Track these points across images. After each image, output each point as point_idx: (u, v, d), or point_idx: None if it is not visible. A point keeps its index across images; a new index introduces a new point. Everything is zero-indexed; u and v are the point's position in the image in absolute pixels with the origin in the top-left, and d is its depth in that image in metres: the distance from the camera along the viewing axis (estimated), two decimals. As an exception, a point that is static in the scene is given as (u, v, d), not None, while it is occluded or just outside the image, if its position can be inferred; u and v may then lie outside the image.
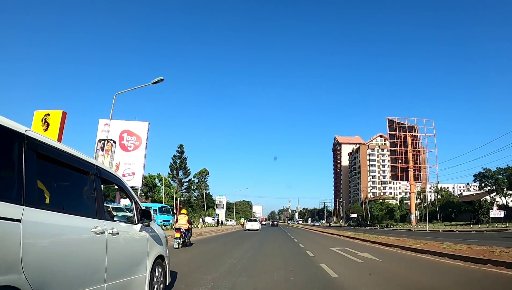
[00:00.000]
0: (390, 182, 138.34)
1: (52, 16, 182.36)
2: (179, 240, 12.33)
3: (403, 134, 66.10)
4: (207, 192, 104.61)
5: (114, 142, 25.58)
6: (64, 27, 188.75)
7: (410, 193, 70.83)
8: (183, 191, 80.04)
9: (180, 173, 79.24)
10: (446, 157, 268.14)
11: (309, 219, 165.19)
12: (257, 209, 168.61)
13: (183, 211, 14.91)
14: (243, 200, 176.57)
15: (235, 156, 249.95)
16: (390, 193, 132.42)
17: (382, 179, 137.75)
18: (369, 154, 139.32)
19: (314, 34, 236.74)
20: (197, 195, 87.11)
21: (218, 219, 67.35)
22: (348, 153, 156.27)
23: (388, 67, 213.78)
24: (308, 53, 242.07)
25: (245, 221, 57.32)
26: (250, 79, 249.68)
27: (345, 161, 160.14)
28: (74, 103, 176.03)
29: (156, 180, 70.64)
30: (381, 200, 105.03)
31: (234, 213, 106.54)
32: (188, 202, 78.94)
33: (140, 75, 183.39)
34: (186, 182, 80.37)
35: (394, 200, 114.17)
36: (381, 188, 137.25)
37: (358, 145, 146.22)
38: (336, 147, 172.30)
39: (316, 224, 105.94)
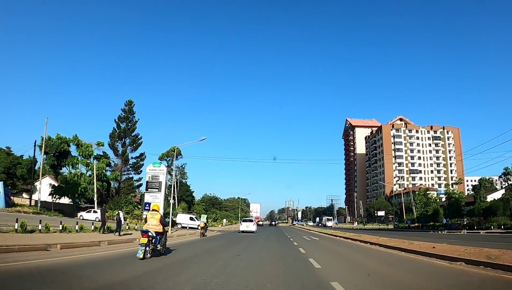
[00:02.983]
0: (420, 171, 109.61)
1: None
2: (145, 248, 8.31)
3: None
4: (183, 181, 76.36)
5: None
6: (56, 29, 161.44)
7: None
8: (130, 171, 50.86)
9: (127, 142, 50.34)
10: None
11: (317, 218, 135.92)
12: (255, 207, 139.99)
13: (154, 206, 9.80)
14: (238, 197, 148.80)
15: (234, 155, 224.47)
16: (421, 184, 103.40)
17: (411, 168, 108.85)
18: (394, 136, 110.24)
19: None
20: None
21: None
22: (365, 138, 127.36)
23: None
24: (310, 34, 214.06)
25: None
26: (248, 73, 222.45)
27: (360, 148, 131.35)
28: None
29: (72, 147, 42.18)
30: (422, 192, 76.05)
31: (217, 212, 77.94)
32: (130, 189, 50.13)
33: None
34: (134, 158, 51.19)
35: (435, 193, 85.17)
36: (410, 179, 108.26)
37: (378, 127, 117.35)
38: (348, 132, 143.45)
39: (328, 224, 77.31)
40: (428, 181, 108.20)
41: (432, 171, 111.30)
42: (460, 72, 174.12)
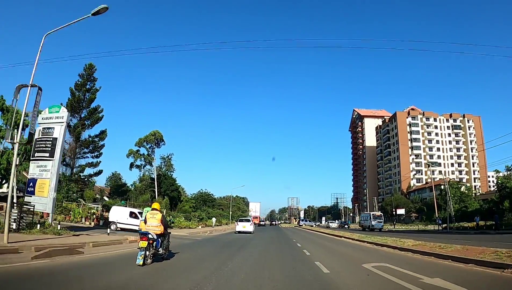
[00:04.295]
0: (439, 164, 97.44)
1: None
2: (145, 252, 7.43)
3: None
4: (170, 174, 64.57)
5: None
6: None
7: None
8: (87, 154, 38.42)
9: (84, 114, 38.10)
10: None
11: (323, 218, 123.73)
12: (254, 206, 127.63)
13: (155, 205, 8.84)
14: (236, 196, 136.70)
15: (233, 154, 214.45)
16: (441, 179, 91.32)
17: (430, 160, 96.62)
18: (410, 124, 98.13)
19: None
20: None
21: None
22: (376, 128, 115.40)
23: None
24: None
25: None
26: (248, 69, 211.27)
27: (370, 140, 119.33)
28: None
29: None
30: (455, 185, 64.25)
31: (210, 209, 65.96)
32: (83, 178, 38.16)
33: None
34: (92, 138, 38.76)
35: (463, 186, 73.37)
36: (428, 172, 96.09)
37: (391, 116, 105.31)
38: (356, 124, 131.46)
39: (332, 225, 64.39)
40: (448, 175, 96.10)
41: (452, 164, 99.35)
42: (475, 62, 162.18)
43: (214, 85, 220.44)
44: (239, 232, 26.97)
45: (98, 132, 38.84)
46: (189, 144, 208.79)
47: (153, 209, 8.49)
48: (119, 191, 50.54)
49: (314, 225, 73.28)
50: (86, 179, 37.76)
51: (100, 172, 37.10)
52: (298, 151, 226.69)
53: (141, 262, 7.19)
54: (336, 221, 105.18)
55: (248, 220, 29.91)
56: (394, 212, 74.42)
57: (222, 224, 59.35)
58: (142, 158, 57.17)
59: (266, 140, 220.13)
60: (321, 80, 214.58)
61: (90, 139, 37.05)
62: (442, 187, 64.25)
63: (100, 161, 37.42)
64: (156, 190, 55.15)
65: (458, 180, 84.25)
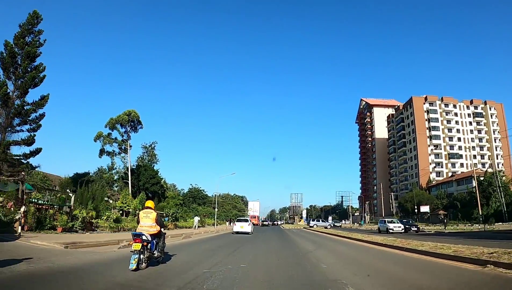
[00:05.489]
0: (461, 156, 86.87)
1: None
2: (139, 256, 6.63)
3: None
4: (150, 165, 54.25)
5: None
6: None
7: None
8: (22, 127, 26.73)
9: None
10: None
11: (329, 218, 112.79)
12: (253, 206, 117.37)
13: (149, 203, 7.90)
14: (235, 194, 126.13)
15: (233, 154, 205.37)
16: (462, 172, 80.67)
17: (450, 151, 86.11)
18: (427, 111, 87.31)
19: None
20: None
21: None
22: (388, 116, 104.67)
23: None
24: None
25: None
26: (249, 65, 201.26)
27: (380, 131, 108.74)
28: None
29: None
30: (488, 177, 53.69)
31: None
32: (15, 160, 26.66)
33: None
34: (29, 105, 26.92)
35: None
36: (449, 165, 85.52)
37: (406, 102, 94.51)
38: (364, 114, 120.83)
39: (323, 225, 50.47)
40: (470, 167, 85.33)
41: (475, 156, 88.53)
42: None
43: (213, 82, 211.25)
44: (237, 232, 26.76)
45: (38, 98, 27.44)
46: (189, 142, 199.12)
47: (146, 208, 7.73)
48: (78, 182, 39.36)
49: (327, 226, 51.00)
50: (19, 161, 26.57)
51: (37, 151, 25.76)
52: (298, 149, 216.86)
53: (135, 266, 6.44)
54: (343, 221, 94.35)
55: (246, 220, 29.50)
56: (416, 210, 63.83)
57: (209, 224, 48.44)
58: (116, 144, 46.37)
59: (266, 139, 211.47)
60: (324, 71, 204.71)
61: (24, 105, 25.80)
62: (482, 178, 53.66)
63: (35, 136, 25.97)
64: (129, 182, 44.34)
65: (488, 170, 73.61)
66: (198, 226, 35.52)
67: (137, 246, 6.63)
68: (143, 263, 6.77)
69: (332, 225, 52.30)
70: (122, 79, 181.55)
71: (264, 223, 78.10)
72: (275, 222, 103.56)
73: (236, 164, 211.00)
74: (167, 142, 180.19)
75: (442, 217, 59.56)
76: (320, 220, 57.58)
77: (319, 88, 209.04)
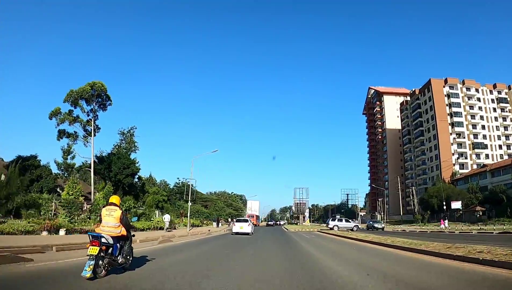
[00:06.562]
0: (486, 146, 77.27)
1: None
2: (96, 261, 5.43)
3: None
4: (127, 153, 44.79)
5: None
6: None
7: None
8: None
9: None
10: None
11: (337, 217, 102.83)
12: (252, 205, 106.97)
13: (113, 198, 6.52)
14: (232, 193, 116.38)
15: (233, 154, 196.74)
16: (486, 164, 71.04)
17: (474, 141, 76.44)
18: (448, 95, 77.57)
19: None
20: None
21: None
22: (402, 103, 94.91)
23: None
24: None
25: None
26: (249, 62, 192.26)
27: (391, 121, 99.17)
28: None
29: None
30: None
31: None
32: None
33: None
34: None
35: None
36: (473, 156, 75.84)
37: (423, 86, 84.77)
38: (373, 104, 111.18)
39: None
40: (495, 158, 75.71)
41: (500, 146, 78.89)
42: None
43: (213, 78, 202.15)
44: (236, 233, 26.10)
45: None
46: (188, 139, 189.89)
47: (110, 204, 6.35)
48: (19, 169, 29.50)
49: (355, 229, 36.63)
50: None
51: None
52: (299, 147, 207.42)
53: (89, 274, 5.26)
54: (352, 222, 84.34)
55: (246, 221, 28.73)
56: (445, 207, 54.12)
57: (197, 225, 38.73)
58: (78, 124, 36.52)
59: (266, 137, 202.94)
60: (325, 65, 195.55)
61: None
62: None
63: None
64: (92, 170, 34.56)
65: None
66: (168, 229, 25.82)
67: (94, 250, 5.45)
68: (102, 270, 5.64)
69: (358, 226, 40.52)
70: (118, 76, 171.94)
71: (269, 223, 78.31)
72: (278, 222, 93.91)
73: (236, 164, 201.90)
74: (163, 139, 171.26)
75: (480, 214, 49.90)
76: (343, 220, 42.39)
77: (320, 83, 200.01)
